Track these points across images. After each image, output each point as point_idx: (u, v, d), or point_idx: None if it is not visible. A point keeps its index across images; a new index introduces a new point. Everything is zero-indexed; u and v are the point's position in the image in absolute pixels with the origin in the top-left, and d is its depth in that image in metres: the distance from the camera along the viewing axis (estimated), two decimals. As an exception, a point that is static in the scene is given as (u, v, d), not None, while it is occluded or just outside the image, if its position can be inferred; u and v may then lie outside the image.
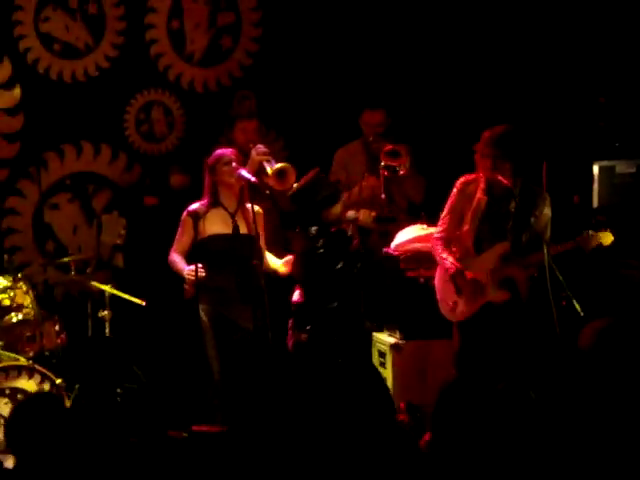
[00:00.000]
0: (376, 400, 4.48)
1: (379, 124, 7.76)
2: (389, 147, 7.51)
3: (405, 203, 7.88)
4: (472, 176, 6.63)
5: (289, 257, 6.97)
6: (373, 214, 6.73)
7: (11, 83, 8.14)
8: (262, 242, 6.88)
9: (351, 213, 6.90)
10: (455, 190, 6.64)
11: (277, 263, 7.00)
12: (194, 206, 6.84)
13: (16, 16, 8.12)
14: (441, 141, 8.37)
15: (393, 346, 7.31)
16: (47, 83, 8.24)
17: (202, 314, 6.76)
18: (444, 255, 6.59)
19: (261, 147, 7.41)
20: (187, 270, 6.72)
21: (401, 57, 8.64)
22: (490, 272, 6.52)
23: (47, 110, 8.24)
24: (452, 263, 6.55)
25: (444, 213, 6.68)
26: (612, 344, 4.47)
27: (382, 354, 7.43)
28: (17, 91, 8.15)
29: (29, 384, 6.74)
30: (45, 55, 8.22)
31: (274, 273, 6.98)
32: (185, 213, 6.84)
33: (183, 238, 6.86)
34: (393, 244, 7.41)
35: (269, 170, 7.23)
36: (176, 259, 6.86)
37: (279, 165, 7.27)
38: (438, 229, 6.71)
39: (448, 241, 6.64)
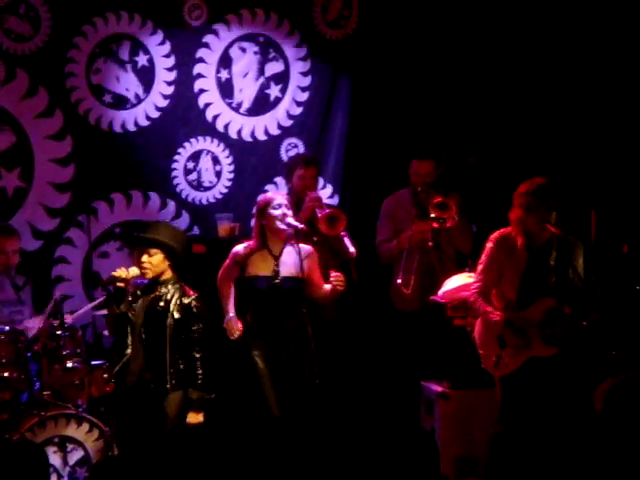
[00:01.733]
0: (422, 453, 4.47)
1: (428, 174, 7.79)
2: (438, 199, 7.53)
3: (453, 251, 7.87)
4: (507, 230, 6.63)
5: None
6: None
7: (62, 134, 8.26)
8: (318, 281, 6.93)
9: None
10: (491, 244, 6.63)
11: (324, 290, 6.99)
12: (241, 246, 6.98)
13: (69, 68, 8.24)
14: (489, 190, 8.36)
15: (440, 395, 7.28)
16: (98, 133, 8.34)
17: (257, 359, 6.81)
18: (488, 309, 6.56)
19: (314, 194, 7.55)
20: (226, 324, 6.96)
21: (450, 107, 8.66)
22: (536, 327, 6.48)
23: (97, 160, 8.34)
24: (498, 314, 6.52)
25: (481, 268, 6.65)
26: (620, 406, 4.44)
27: (429, 403, 7.40)
28: (68, 142, 8.26)
29: (78, 432, 6.78)
30: (96, 106, 8.33)
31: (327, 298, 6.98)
32: (233, 252, 6.98)
33: (229, 271, 7.01)
34: (440, 292, 7.40)
35: (319, 215, 7.35)
36: (224, 292, 7.02)
37: (329, 211, 7.37)
38: (476, 284, 6.68)
39: (487, 295, 6.61)
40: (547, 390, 6.45)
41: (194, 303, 6.63)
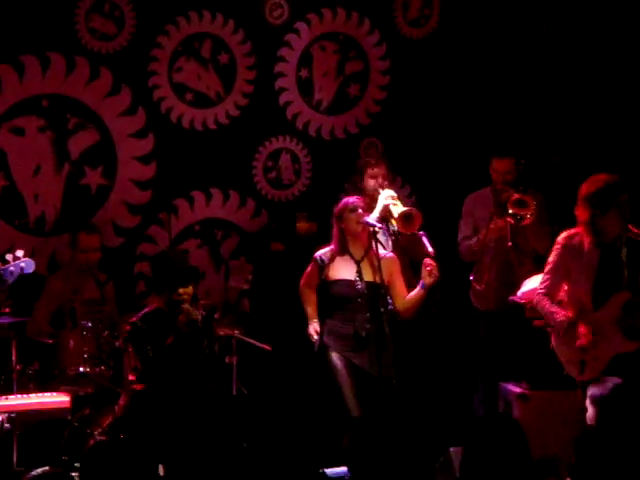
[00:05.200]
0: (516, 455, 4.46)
1: (507, 172, 7.74)
2: (517, 196, 7.49)
3: (531, 249, 7.81)
4: (574, 230, 6.59)
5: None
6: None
7: (145, 132, 8.35)
8: (401, 285, 6.96)
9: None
10: (558, 246, 6.60)
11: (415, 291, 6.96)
12: (321, 252, 7.02)
13: (151, 67, 8.33)
14: (570, 189, 8.28)
15: (520, 396, 7.24)
16: (179, 131, 8.42)
17: (335, 359, 6.84)
18: (553, 309, 6.52)
19: (389, 191, 7.51)
20: (310, 330, 7.03)
21: (530, 104, 8.60)
22: (615, 323, 6.41)
23: (178, 158, 8.42)
24: (563, 315, 6.48)
25: (547, 269, 6.61)
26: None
27: (508, 404, 7.35)
28: (150, 140, 8.35)
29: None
30: (178, 104, 8.41)
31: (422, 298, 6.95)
32: (315, 257, 7.03)
33: (312, 277, 7.07)
34: (520, 292, 7.35)
35: (395, 213, 7.32)
36: (307, 298, 7.10)
37: (405, 209, 7.34)
38: (542, 285, 6.63)
39: (553, 297, 6.57)
40: (634, 387, 6.37)
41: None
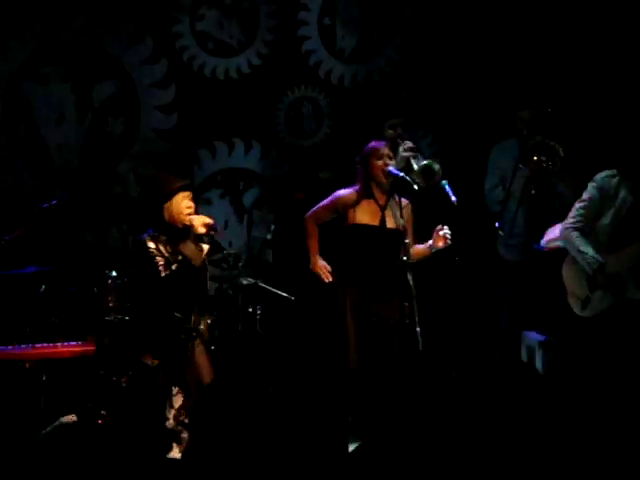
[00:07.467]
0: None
1: (534, 119, 7.70)
2: (540, 142, 7.47)
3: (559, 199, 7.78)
4: (613, 171, 6.59)
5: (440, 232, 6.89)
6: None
7: (167, 81, 8.33)
8: (410, 235, 6.92)
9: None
10: (596, 184, 6.62)
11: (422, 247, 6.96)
12: (347, 191, 6.92)
13: (174, 15, 8.30)
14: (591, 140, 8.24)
15: (542, 344, 7.27)
16: (201, 81, 8.40)
17: (349, 304, 6.84)
18: (583, 249, 6.53)
19: (408, 143, 7.49)
20: (317, 267, 6.90)
21: (553, 54, 8.54)
22: (630, 269, 6.44)
23: (200, 107, 8.40)
24: (594, 257, 6.49)
25: (581, 204, 6.63)
26: None
27: (531, 351, 7.39)
28: (172, 89, 8.34)
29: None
30: (200, 53, 8.39)
31: (425, 256, 6.94)
32: (337, 195, 6.91)
33: (325, 213, 6.95)
34: (543, 240, 7.36)
35: (415, 166, 7.28)
36: (313, 232, 6.95)
37: (425, 162, 7.31)
38: (573, 220, 6.62)
39: (585, 233, 6.59)
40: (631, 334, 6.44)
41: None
